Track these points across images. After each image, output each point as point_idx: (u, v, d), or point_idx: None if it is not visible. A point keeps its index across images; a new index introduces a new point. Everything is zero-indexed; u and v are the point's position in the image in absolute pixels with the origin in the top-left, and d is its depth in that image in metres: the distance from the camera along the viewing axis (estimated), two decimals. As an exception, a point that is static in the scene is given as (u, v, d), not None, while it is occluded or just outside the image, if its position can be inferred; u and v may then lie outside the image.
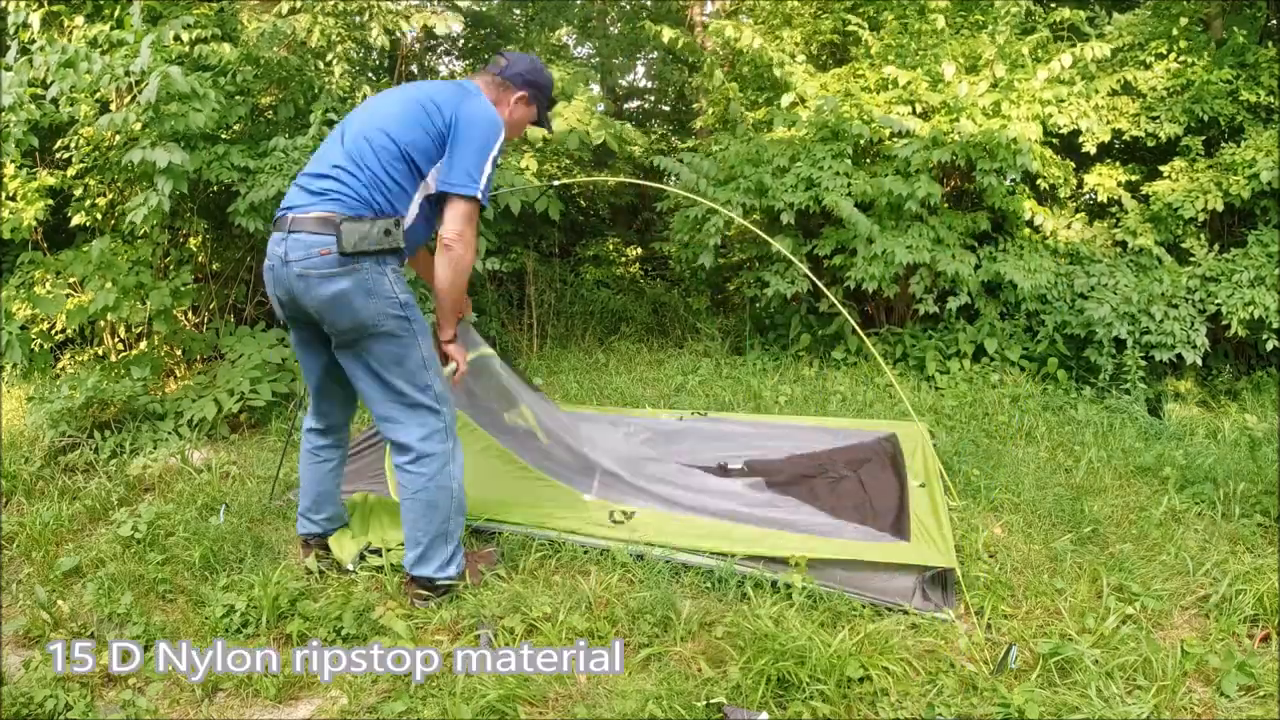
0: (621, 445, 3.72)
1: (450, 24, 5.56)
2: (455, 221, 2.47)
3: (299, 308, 2.50)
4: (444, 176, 2.48)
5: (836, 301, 3.77)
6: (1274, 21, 6.28)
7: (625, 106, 10.27)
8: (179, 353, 4.91)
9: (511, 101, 2.69)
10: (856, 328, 3.73)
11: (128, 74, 4.01)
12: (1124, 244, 5.56)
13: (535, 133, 5.84)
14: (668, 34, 5.98)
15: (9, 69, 4.06)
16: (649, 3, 10.07)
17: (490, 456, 3.30)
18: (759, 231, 4.16)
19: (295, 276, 2.41)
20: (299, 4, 5.19)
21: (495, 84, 2.68)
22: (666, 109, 10.49)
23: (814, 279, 3.81)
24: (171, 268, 4.78)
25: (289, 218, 2.44)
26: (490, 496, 3.14)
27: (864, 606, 2.52)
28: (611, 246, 8.67)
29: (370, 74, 6.91)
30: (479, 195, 2.47)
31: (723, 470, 3.56)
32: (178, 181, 4.04)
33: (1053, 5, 5.88)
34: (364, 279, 2.40)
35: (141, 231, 4.32)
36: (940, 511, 3.01)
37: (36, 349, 4.68)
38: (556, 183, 4.95)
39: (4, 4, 4.39)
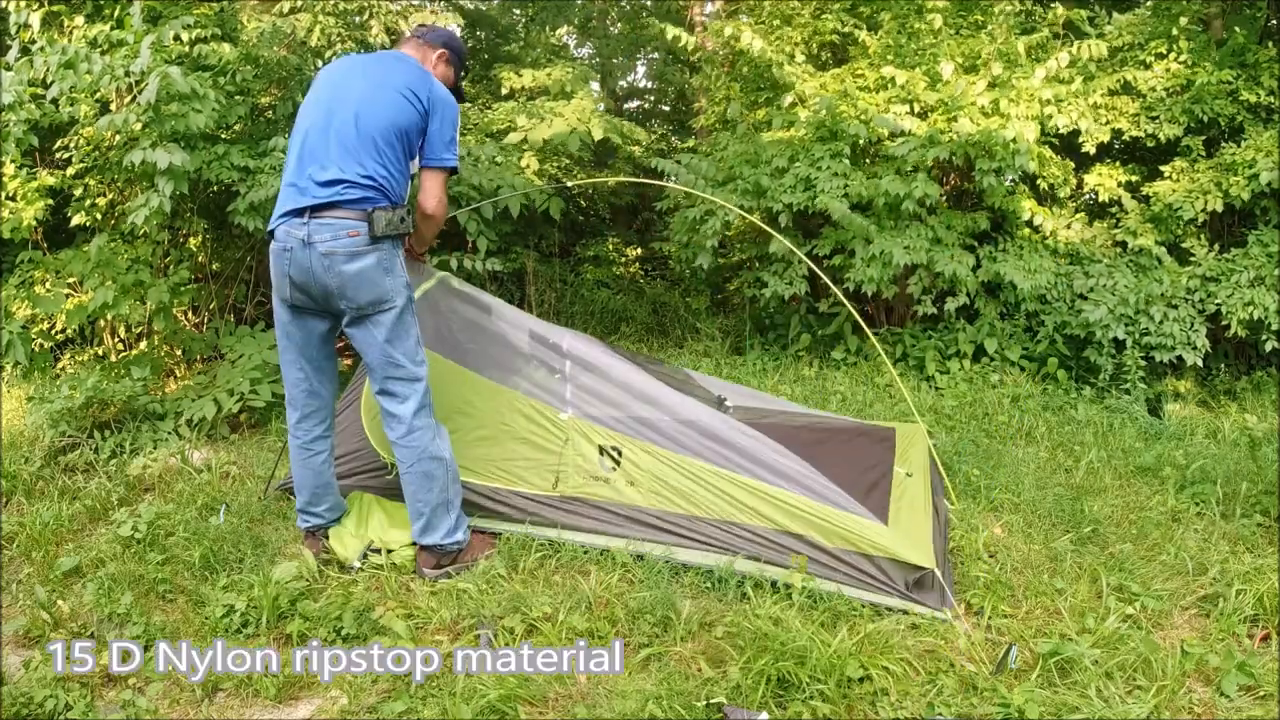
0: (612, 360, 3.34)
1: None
2: (437, 191, 2.80)
3: (314, 288, 2.64)
4: (429, 153, 2.78)
5: (842, 298, 3.76)
6: (1274, 21, 6.28)
7: (625, 106, 10.27)
8: (179, 353, 4.91)
9: (434, 59, 2.95)
10: (863, 325, 3.73)
11: (128, 74, 4.00)
12: (1124, 244, 5.56)
13: (536, 135, 5.86)
14: (672, 33, 5.97)
15: (9, 69, 4.05)
16: (649, 3, 10.07)
17: (461, 393, 3.13)
18: (765, 227, 4.15)
19: (319, 255, 2.58)
20: (299, 4, 5.19)
21: (421, 45, 2.95)
22: (666, 109, 10.49)
23: (819, 273, 3.80)
24: (171, 267, 4.78)
25: (307, 209, 2.60)
26: (473, 450, 3.05)
27: (864, 606, 2.52)
28: (611, 246, 8.65)
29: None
30: (456, 165, 2.84)
31: (720, 403, 3.52)
32: (179, 182, 4.04)
33: (1052, 4, 5.88)
34: (384, 257, 2.65)
35: (142, 231, 4.32)
36: (921, 507, 2.96)
37: (36, 349, 4.67)
38: (559, 184, 4.94)
39: (4, 4, 4.38)
